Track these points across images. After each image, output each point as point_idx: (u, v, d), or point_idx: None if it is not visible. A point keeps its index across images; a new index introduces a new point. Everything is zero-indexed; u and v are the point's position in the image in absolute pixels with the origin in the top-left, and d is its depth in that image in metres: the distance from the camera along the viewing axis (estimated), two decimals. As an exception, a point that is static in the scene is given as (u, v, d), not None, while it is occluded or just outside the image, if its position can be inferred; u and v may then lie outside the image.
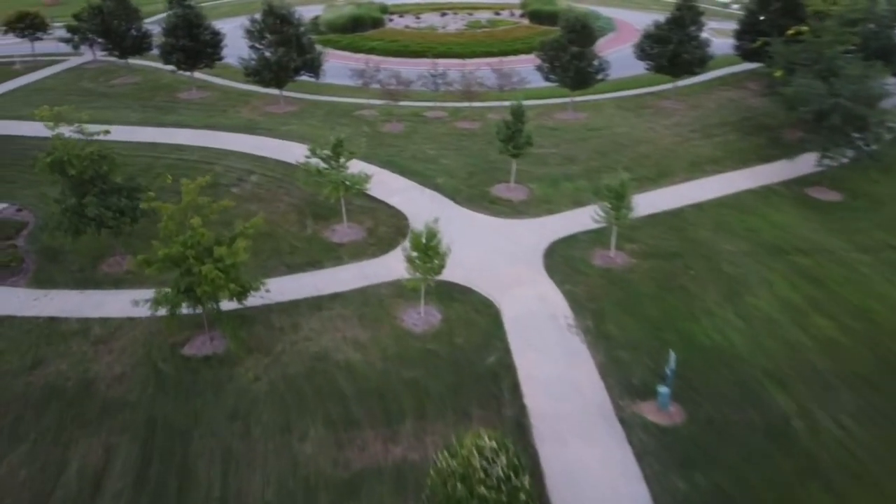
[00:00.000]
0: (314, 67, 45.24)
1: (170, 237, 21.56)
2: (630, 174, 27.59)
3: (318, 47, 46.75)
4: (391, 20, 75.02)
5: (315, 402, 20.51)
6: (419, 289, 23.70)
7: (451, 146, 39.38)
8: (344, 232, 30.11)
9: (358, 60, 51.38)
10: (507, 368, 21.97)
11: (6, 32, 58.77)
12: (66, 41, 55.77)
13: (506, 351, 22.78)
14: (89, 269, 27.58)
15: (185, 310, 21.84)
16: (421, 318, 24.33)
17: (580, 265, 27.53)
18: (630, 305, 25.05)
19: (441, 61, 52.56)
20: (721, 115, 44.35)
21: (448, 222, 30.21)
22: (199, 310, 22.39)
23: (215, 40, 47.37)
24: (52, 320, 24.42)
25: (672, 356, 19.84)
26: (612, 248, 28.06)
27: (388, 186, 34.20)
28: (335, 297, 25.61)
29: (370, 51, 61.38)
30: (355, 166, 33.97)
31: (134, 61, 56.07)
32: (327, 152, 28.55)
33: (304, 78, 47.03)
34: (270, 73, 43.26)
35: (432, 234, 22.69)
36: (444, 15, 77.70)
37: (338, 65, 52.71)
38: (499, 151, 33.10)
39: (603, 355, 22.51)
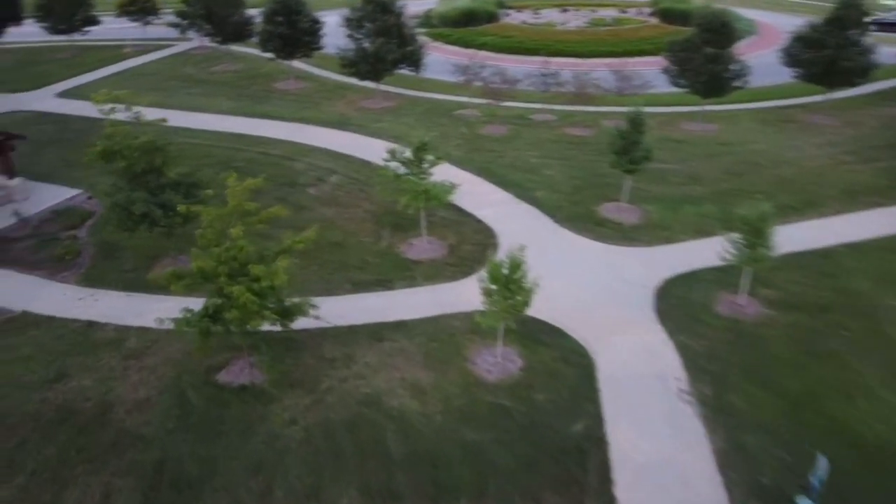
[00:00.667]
0: (415, 60, 42.08)
1: (208, 247, 18.63)
2: (769, 201, 22.30)
3: (423, 39, 43.60)
4: (507, 15, 71.17)
5: (354, 463, 16.91)
6: (496, 328, 19.68)
7: (557, 155, 34.99)
8: (422, 247, 26.52)
9: (462, 55, 47.88)
10: (596, 443, 17.52)
11: (119, 16, 59.60)
12: (174, 26, 55.67)
13: (597, 418, 18.31)
14: (143, 269, 25.34)
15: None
16: (497, 362, 20.29)
17: (700, 312, 22.56)
18: (762, 372, 19.89)
19: (554, 60, 48.11)
20: (886, 136, 37.40)
21: (543, 245, 26.20)
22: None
23: (314, 28, 45.16)
24: (90, 325, 22.22)
25: (822, 462, 14.78)
26: (742, 294, 22.88)
27: (479, 197, 30.35)
28: (400, 326, 22.01)
29: (481, 46, 57.90)
30: (445, 172, 30.52)
31: (237, 48, 55.23)
32: (408, 156, 25.02)
33: (404, 71, 44.05)
34: (367, 64, 40.43)
35: (516, 265, 18.59)
36: (564, 11, 72.97)
37: (440, 59, 49.43)
38: (610, 165, 28.46)
39: (723, 438, 17.60)
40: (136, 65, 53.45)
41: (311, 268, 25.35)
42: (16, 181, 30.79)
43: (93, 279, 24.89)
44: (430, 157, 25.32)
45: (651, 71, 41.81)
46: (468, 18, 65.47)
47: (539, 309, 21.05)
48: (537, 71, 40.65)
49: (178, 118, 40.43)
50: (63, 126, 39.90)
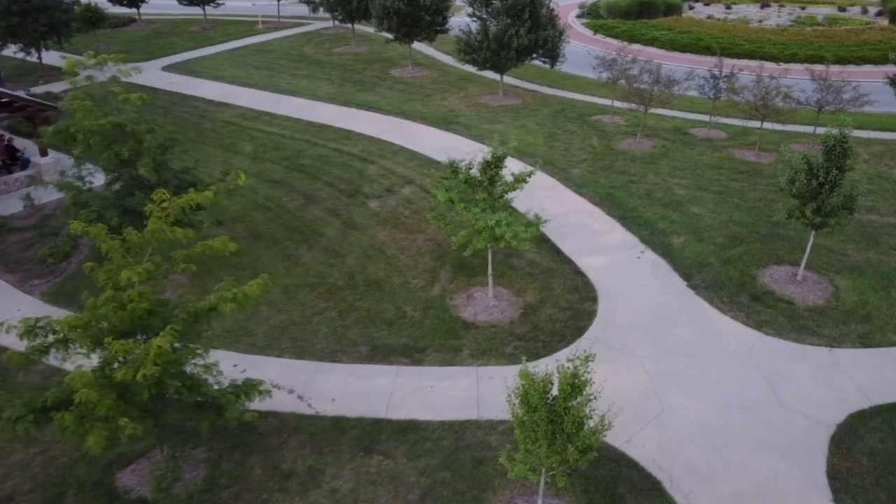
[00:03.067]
0: (549, 50, 34.34)
1: (110, 288, 12.47)
2: None
3: (572, 23, 35.77)
4: (692, 7, 60.91)
5: None
6: (536, 480, 11.87)
7: (715, 186, 25.84)
8: (485, 303, 19.05)
9: (608, 47, 39.34)
10: None
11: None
12: (307, 3, 51.89)
13: None
14: (123, 287, 20.18)
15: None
16: (536, 530, 12.53)
17: (915, 492, 13.26)
18: None
19: (736, 62, 38.15)
20: None
21: (664, 323, 17.91)
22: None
23: (439, 6, 38.68)
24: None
25: None
26: None
27: (589, 236, 22.30)
28: (407, 431, 14.78)
29: (650, 41, 48.75)
30: (552, 195, 23.49)
31: (368, 30, 50.34)
32: (475, 174, 17.63)
33: (538, 63, 36.43)
34: (488, 51, 33.28)
35: (574, 385, 10.70)
36: (765, 7, 61.26)
37: (581, 50, 41.19)
38: (786, 214, 19.21)
39: None
40: (259, 41, 50.10)
41: (327, 312, 18.83)
42: (48, 159, 27.13)
43: (61, 296, 19.97)
44: (507, 177, 17.81)
45: (871, 83, 31.04)
46: (641, 9, 56.22)
47: (631, 436, 13.06)
48: (707, 72, 31.24)
49: (267, 101, 36.03)
50: (148, 101, 36.45)
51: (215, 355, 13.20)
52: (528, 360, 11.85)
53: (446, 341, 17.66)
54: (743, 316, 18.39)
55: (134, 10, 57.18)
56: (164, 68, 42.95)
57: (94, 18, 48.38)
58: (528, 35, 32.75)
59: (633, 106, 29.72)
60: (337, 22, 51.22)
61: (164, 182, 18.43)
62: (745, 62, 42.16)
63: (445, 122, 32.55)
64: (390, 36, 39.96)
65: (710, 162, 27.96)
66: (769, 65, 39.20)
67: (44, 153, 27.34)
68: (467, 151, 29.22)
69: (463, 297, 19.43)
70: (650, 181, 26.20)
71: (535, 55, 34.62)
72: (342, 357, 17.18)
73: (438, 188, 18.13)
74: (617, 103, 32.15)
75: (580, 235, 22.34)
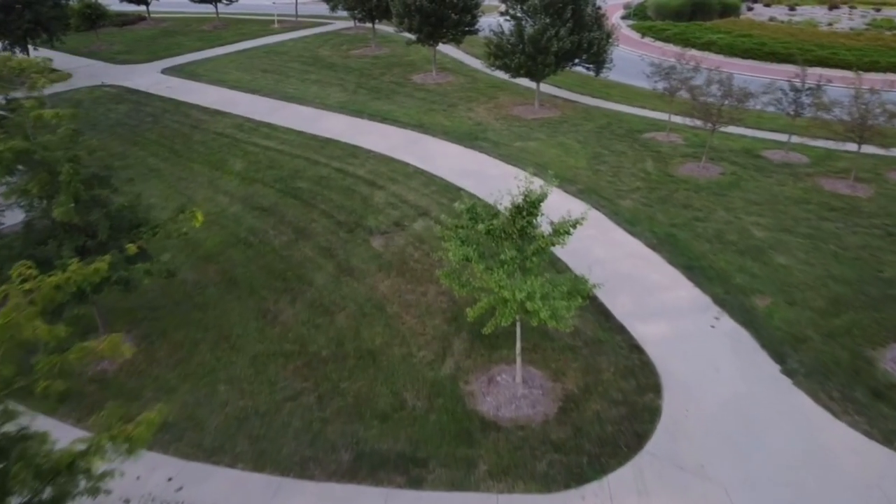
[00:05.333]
0: (594, 55, 29.67)
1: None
2: None
3: (617, 23, 31.09)
4: (750, 9, 55.67)
5: None
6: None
7: (802, 227, 20.93)
8: (511, 390, 14.47)
9: (660, 51, 34.53)
10: None
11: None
12: (326, 0, 47.89)
13: None
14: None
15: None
16: None
17: None
18: None
19: (821, 72, 33.02)
20: None
21: (755, 429, 13.09)
22: None
23: (467, 3, 34.26)
24: None
25: None
26: None
27: (645, 293, 17.62)
28: None
29: (706, 46, 43.74)
30: (598, 235, 19.18)
31: (390, 30, 46.16)
32: (497, 222, 13.08)
33: (580, 69, 31.82)
34: (522, 55, 28.73)
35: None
36: (833, 8, 55.79)
37: (632, 55, 36.42)
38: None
39: None
40: (272, 42, 46.23)
41: (304, 397, 14.50)
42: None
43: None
44: (544, 225, 13.28)
45: None
46: (694, 10, 51.20)
47: None
48: (787, 84, 26.25)
49: (268, 109, 31.95)
50: (138, 107, 32.74)
51: (145, 462, 8.93)
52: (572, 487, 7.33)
53: (457, 449, 13.14)
54: (863, 422, 13.55)
55: (143, 8, 53.87)
56: (164, 70, 39.20)
57: (94, 16, 44.98)
58: (569, 37, 28.11)
59: (697, 123, 24.90)
60: (357, 22, 47.11)
61: (90, 225, 14.25)
62: (819, 70, 36.97)
63: (470, 138, 28.06)
64: (412, 37, 35.70)
65: (793, 194, 23.02)
66: (847, 74, 33.95)
67: None
68: (494, 175, 24.87)
69: (482, 379, 14.89)
70: (720, 218, 21.39)
71: (577, 61, 29.97)
72: (315, 469, 12.76)
73: (451, 241, 13.59)
74: (675, 118, 27.34)
75: (635, 291, 17.68)
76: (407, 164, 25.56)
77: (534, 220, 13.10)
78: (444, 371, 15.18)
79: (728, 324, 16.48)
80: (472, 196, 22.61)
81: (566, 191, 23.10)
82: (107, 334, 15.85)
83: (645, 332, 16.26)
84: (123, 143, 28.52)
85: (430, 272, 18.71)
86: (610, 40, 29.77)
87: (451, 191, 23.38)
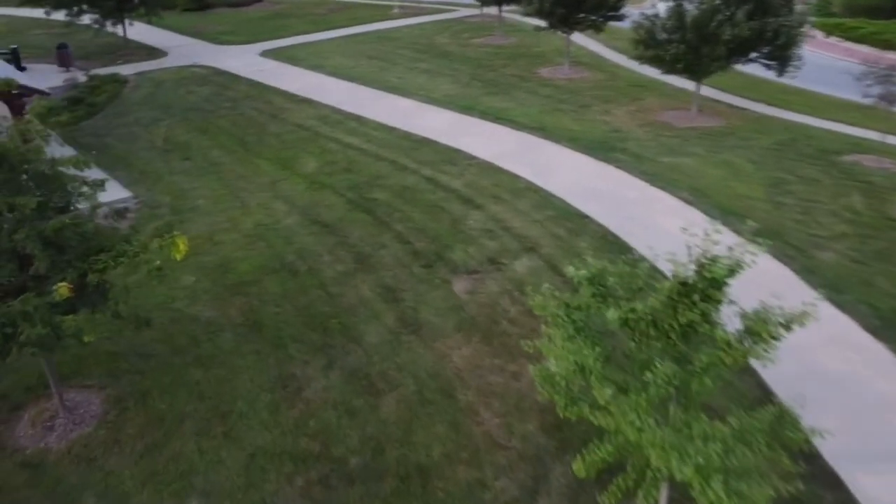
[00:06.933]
0: (780, 48, 22.72)
1: None
2: None
3: (803, 14, 23.96)
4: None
5: None
6: None
7: None
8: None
9: (855, 55, 27.06)
10: None
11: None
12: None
13: None
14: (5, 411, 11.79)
15: None
16: None
17: None
18: None
19: None
20: None
21: None
22: None
23: (613, -15, 28.11)
24: None
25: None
26: None
27: (869, 414, 11.07)
28: None
29: (913, 49, 35.08)
30: (786, 304, 12.07)
31: (520, 19, 40.61)
32: (642, 307, 7.22)
33: (752, 70, 24.98)
34: (682, 44, 22.28)
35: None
36: None
37: (822, 59, 28.98)
38: None
39: None
40: (386, 27, 41.74)
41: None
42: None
43: None
44: (721, 324, 7.32)
45: None
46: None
47: None
48: None
49: (362, 100, 27.31)
50: (221, 91, 28.94)
51: None
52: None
53: None
54: None
55: (259, -10, 51.24)
56: (263, 53, 35.50)
57: (203, -6, 42.34)
58: (748, 22, 21.37)
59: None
60: (484, 9, 41.80)
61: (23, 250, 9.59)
62: None
63: (604, 148, 21.95)
64: (542, 23, 29.89)
65: None
66: None
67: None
68: (632, 199, 18.71)
69: (591, 552, 9.06)
70: (980, 291, 14.28)
71: (755, 55, 23.11)
72: None
73: (561, 326, 7.89)
74: (890, 138, 20.05)
75: (849, 409, 11.16)
76: (517, 177, 19.83)
77: (712, 312, 7.18)
78: (522, 520, 9.46)
79: None
80: (588, 223, 16.96)
81: (732, 228, 16.67)
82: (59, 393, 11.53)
83: (874, 490, 9.80)
84: (191, 130, 24.60)
85: (529, 340, 12.96)
86: (802, 29, 22.67)
87: (573, 218, 17.46)
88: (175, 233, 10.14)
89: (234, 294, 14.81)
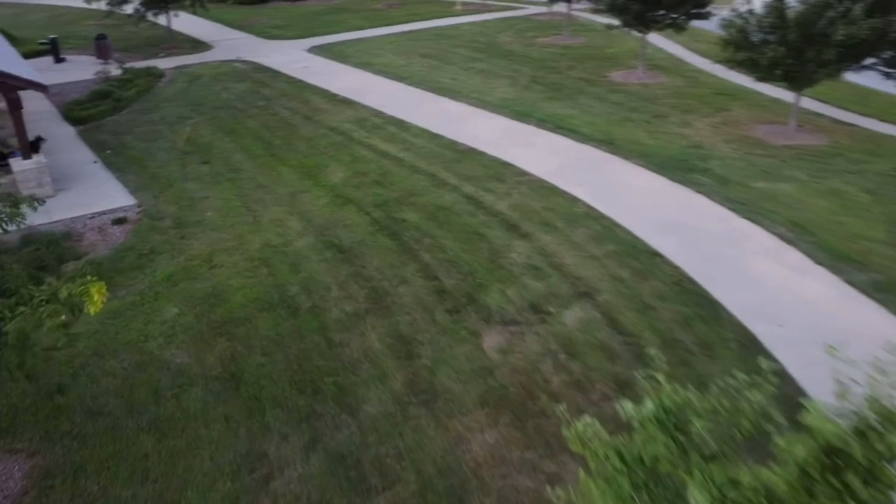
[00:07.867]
0: (903, 53, 18.93)
1: None
2: None
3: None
4: None
5: None
6: None
7: None
8: None
9: None
10: None
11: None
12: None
13: None
14: None
15: None
16: None
17: None
18: None
19: None
20: None
21: None
22: None
23: (697, -21, 24.56)
24: None
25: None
26: None
27: None
28: None
29: None
30: None
31: (592, 17, 37.33)
32: (748, 485, 4.16)
33: (860, 79, 21.19)
34: (782, 45, 18.70)
35: None
36: None
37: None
38: None
39: None
40: (445, 24, 39.03)
41: None
42: (28, 163, 17.53)
43: None
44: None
45: None
46: None
47: None
48: None
49: (409, 103, 24.76)
50: (257, 88, 26.71)
51: None
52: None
53: None
54: None
55: (320, -16, 49.27)
56: (311, 49, 33.26)
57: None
58: (866, 20, 17.68)
59: None
60: (553, 6, 38.62)
61: None
62: None
63: (683, 168, 18.57)
64: (615, 21, 26.60)
65: None
66: None
67: (27, 153, 17.89)
68: (716, 233, 15.35)
69: None
70: None
71: (874, 60, 19.33)
72: None
73: (610, 482, 4.88)
74: None
75: None
76: (574, 200, 16.69)
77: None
78: None
79: None
80: (672, 271, 13.64)
81: (846, 278, 13.17)
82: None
83: None
84: (217, 130, 22.37)
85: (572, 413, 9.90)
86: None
87: (640, 255, 14.24)
88: (90, 277, 7.54)
89: (218, 335, 12.22)
